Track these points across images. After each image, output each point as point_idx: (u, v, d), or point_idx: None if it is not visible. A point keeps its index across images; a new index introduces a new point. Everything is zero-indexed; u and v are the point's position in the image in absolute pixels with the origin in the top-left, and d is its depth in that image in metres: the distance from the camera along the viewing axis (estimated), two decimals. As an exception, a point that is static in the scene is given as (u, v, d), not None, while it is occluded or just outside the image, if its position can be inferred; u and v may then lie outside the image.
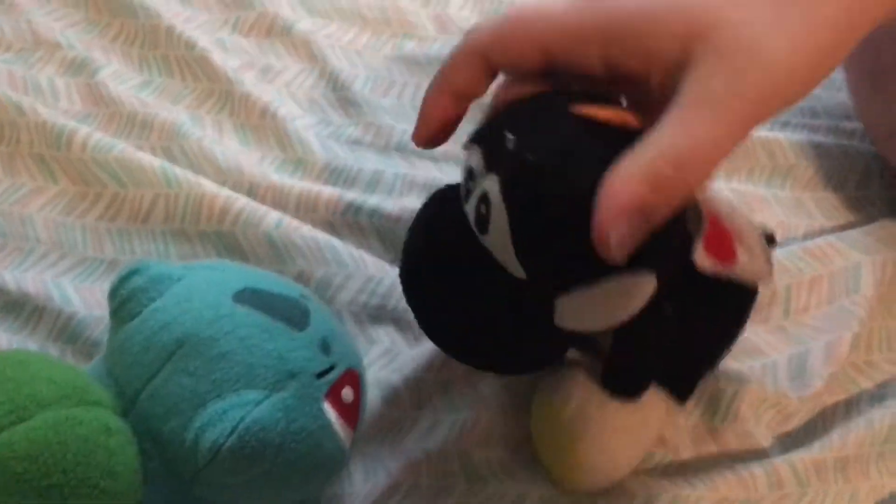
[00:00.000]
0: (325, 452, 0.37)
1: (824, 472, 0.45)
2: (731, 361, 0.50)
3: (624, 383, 0.41)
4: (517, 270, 0.35)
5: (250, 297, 0.38)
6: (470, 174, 0.37)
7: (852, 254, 0.54)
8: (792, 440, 0.48)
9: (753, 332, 0.52)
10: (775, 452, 0.47)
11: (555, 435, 0.43)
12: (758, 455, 0.47)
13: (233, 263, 0.42)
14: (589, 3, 0.35)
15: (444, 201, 0.40)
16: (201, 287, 0.38)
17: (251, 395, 0.35)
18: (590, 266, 0.32)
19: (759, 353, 0.51)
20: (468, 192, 0.37)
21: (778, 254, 0.54)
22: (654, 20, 0.33)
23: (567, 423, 0.41)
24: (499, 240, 0.35)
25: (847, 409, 0.49)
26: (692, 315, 0.39)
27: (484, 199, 0.35)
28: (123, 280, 0.38)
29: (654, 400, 0.42)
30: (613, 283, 0.33)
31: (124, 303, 0.38)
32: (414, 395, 0.48)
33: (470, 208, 0.36)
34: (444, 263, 0.38)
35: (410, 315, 0.50)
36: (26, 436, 0.32)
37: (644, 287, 0.33)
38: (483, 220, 0.35)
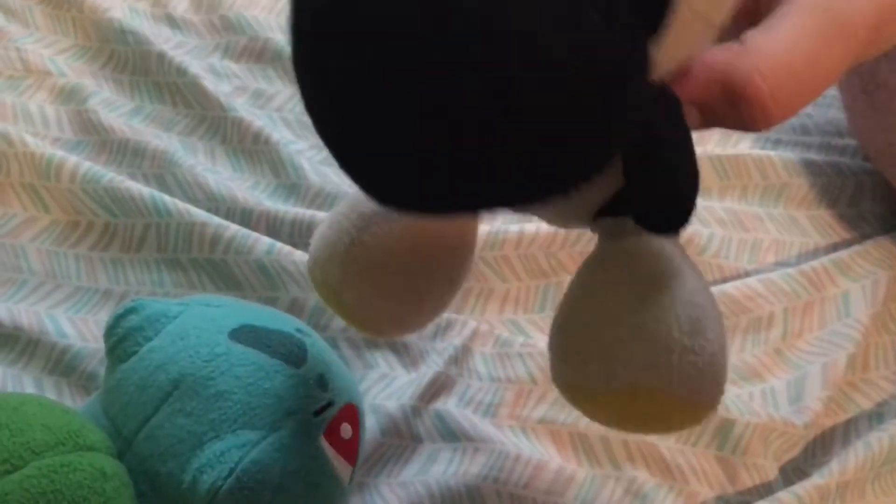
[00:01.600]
0: (324, 490, 0.37)
1: (827, 498, 0.45)
2: (732, 387, 0.50)
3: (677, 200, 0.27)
4: None
5: (246, 334, 0.37)
6: None
7: (843, 281, 0.55)
8: (794, 468, 0.48)
9: (752, 355, 0.52)
10: (779, 485, 0.47)
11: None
12: (765, 490, 0.47)
13: (229, 299, 0.42)
14: None
15: None
16: (197, 325, 0.38)
17: (249, 436, 0.35)
18: None
19: (758, 377, 0.51)
20: None
21: (774, 276, 0.54)
22: None
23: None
24: None
25: (845, 431, 0.49)
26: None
27: None
28: (119, 319, 0.38)
29: None
30: None
31: (120, 342, 0.37)
32: (412, 423, 0.48)
33: None
34: None
35: (406, 341, 0.51)
36: (21, 485, 0.32)
37: None
38: None
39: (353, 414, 0.40)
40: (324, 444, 0.37)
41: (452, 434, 0.47)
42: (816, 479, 0.45)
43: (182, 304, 0.39)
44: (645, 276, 0.28)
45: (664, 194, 0.28)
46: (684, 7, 0.23)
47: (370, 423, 0.47)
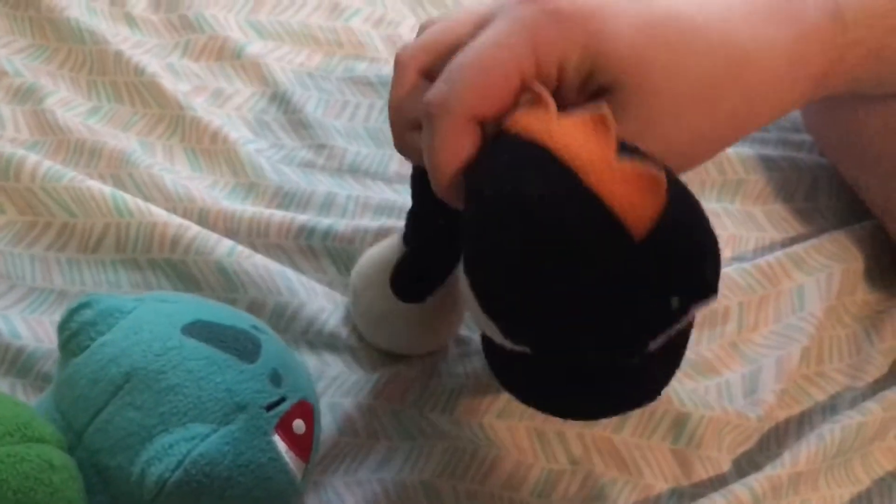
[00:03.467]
0: (276, 485, 0.37)
1: (780, 489, 0.46)
2: (687, 380, 0.51)
3: None
4: None
5: (200, 329, 0.37)
6: None
7: (798, 275, 0.55)
8: (747, 461, 0.48)
9: (708, 349, 0.53)
10: (733, 476, 0.47)
11: None
12: (719, 482, 0.47)
13: (186, 295, 0.42)
14: None
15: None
16: (151, 319, 0.38)
17: (199, 429, 0.35)
18: None
19: (713, 371, 0.52)
20: None
21: (730, 270, 0.55)
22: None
23: None
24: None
25: (799, 423, 0.50)
26: None
27: None
28: (73, 313, 0.38)
29: None
30: None
31: (73, 336, 0.37)
32: (368, 422, 0.48)
33: None
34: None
35: (365, 344, 0.51)
36: (-34, 474, 0.31)
37: None
38: None
39: (307, 411, 0.40)
40: (276, 439, 0.37)
41: (408, 432, 0.47)
42: (769, 471, 0.46)
43: (136, 300, 0.39)
44: None
45: None
46: None
47: (326, 422, 0.47)
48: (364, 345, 0.50)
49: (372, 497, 0.45)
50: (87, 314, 0.38)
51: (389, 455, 0.47)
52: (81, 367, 0.37)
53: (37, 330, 0.50)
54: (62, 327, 0.38)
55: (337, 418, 0.47)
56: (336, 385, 0.49)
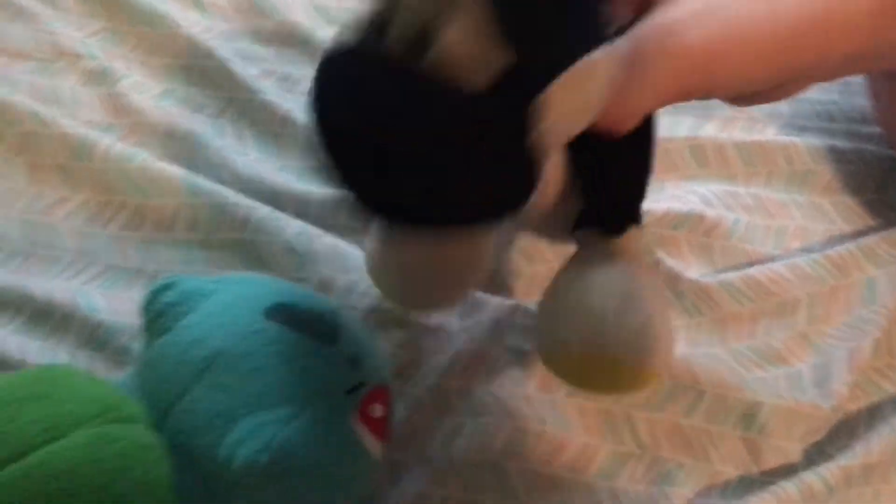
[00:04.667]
0: (356, 467, 0.38)
1: (852, 480, 0.45)
2: (756, 369, 0.50)
3: (612, 213, 0.39)
4: (492, 61, 0.30)
5: (281, 312, 0.38)
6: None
7: (869, 267, 0.55)
8: (818, 451, 0.48)
9: (778, 339, 0.52)
10: (803, 466, 0.47)
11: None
12: (789, 471, 0.47)
13: (263, 277, 0.42)
14: None
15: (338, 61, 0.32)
16: (233, 302, 0.38)
17: (283, 411, 0.35)
18: (584, 33, 0.31)
19: (783, 361, 0.51)
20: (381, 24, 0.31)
21: (800, 261, 0.55)
22: None
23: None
24: (466, 34, 0.29)
25: (870, 415, 0.50)
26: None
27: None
28: (156, 294, 0.39)
29: None
30: (586, 63, 0.30)
31: (157, 318, 0.38)
32: (437, 399, 0.48)
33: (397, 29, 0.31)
34: (381, 103, 0.30)
35: (433, 320, 0.51)
36: (62, 454, 0.32)
37: (609, 62, 0.31)
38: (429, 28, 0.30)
39: (384, 394, 0.40)
40: (355, 422, 0.38)
41: (476, 409, 0.48)
42: (841, 461, 0.46)
43: (216, 282, 0.40)
44: (595, 268, 0.38)
45: (610, 206, 0.39)
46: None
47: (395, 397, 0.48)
48: (433, 323, 0.51)
49: (441, 474, 0.45)
50: (170, 295, 0.39)
51: (457, 431, 0.47)
52: (166, 349, 0.38)
53: (114, 304, 0.51)
54: (146, 308, 0.39)
55: (406, 400, 0.48)
56: (406, 366, 0.50)
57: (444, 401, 0.48)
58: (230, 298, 0.39)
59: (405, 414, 0.47)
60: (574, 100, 0.31)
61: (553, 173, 0.37)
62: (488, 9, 0.29)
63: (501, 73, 0.30)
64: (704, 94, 0.34)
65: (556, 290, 0.39)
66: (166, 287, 0.39)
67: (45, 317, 0.51)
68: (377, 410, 0.39)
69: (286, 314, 0.38)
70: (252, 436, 0.34)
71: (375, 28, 0.31)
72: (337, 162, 0.31)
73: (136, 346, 0.49)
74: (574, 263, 0.40)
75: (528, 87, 0.30)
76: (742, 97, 0.36)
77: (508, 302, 0.52)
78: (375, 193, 0.31)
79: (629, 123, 0.33)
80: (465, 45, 0.29)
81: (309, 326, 0.38)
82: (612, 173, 0.38)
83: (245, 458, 0.34)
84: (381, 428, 0.39)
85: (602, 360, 0.36)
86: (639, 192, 0.40)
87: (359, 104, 0.30)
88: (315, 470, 0.35)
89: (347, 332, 0.40)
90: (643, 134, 0.38)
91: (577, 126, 0.33)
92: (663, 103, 0.33)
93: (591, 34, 0.31)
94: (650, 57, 0.32)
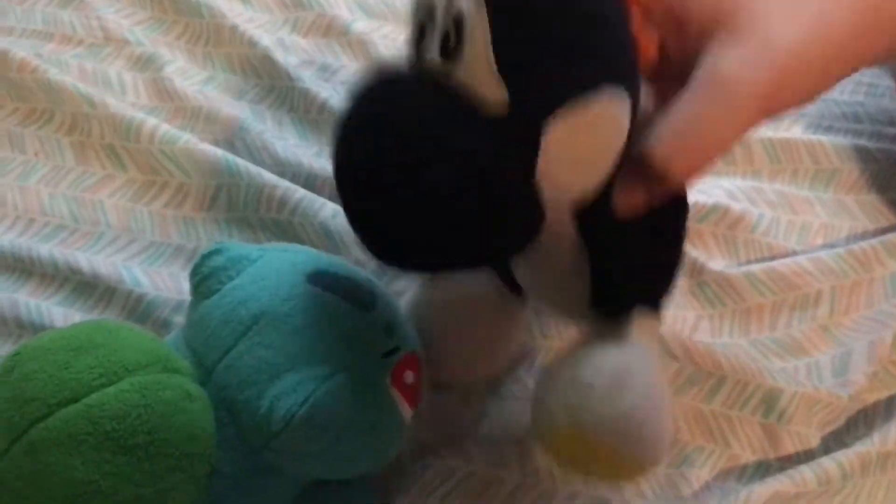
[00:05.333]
0: (388, 429, 0.40)
1: (869, 467, 0.46)
2: (776, 359, 0.51)
3: (616, 296, 0.39)
4: (496, 93, 0.31)
5: (323, 278, 0.40)
6: (429, 14, 0.33)
7: (891, 262, 0.56)
8: (835, 439, 0.49)
9: (798, 330, 0.53)
10: (820, 453, 0.48)
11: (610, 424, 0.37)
12: (806, 457, 0.48)
13: (305, 247, 0.44)
14: None
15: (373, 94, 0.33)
16: (277, 267, 0.40)
17: (322, 370, 0.37)
18: (582, 72, 0.31)
19: (802, 351, 0.52)
20: (422, 36, 0.33)
21: (822, 254, 0.56)
22: None
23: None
24: (475, 61, 0.31)
25: (888, 406, 0.50)
26: (648, 219, 0.37)
27: (456, 21, 0.31)
28: (205, 259, 0.41)
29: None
30: (596, 105, 0.31)
31: (205, 280, 0.40)
32: (464, 387, 0.50)
33: (433, 44, 0.32)
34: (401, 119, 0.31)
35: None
36: (116, 397, 0.34)
37: (623, 107, 0.32)
38: (452, 46, 0.31)
39: (415, 362, 0.42)
40: (390, 385, 0.39)
41: (503, 394, 0.49)
42: (858, 448, 0.46)
43: (261, 250, 0.42)
44: (596, 346, 0.38)
45: (614, 288, 0.38)
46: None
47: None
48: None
49: (467, 451, 0.47)
50: (219, 260, 0.41)
51: (483, 413, 0.49)
52: (213, 309, 0.40)
53: (156, 280, 0.53)
54: (195, 271, 0.41)
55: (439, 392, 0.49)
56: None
57: (471, 385, 0.50)
58: (275, 264, 0.40)
59: (428, 391, 0.49)
60: (579, 141, 0.32)
61: (564, 244, 0.37)
62: (489, 40, 0.30)
63: (506, 104, 0.31)
64: (776, 115, 0.35)
65: (556, 363, 0.39)
66: (215, 252, 0.41)
67: (89, 289, 0.53)
68: (409, 377, 0.40)
69: (327, 280, 0.40)
70: (292, 390, 0.36)
71: (414, 33, 0.33)
72: (353, 187, 0.32)
73: (177, 319, 0.51)
74: (581, 339, 0.40)
75: (525, 122, 0.31)
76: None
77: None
78: (390, 215, 0.32)
79: (712, 156, 0.33)
80: (479, 72, 0.31)
81: (348, 292, 0.40)
82: (617, 255, 0.38)
83: (285, 411, 0.35)
84: (412, 394, 0.41)
85: (585, 438, 0.36)
86: (653, 278, 0.40)
87: (377, 120, 0.31)
88: (351, 426, 0.37)
89: (382, 301, 0.41)
90: (661, 219, 0.38)
91: (589, 173, 0.33)
92: (743, 133, 0.34)
93: (607, 71, 0.31)
94: (735, 86, 0.32)
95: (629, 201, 0.35)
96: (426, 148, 0.31)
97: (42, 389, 0.34)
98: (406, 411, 0.40)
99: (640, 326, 0.39)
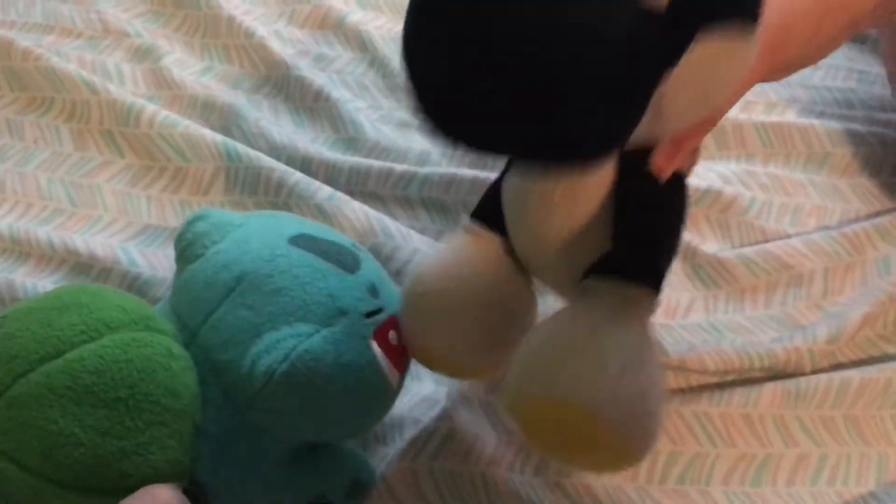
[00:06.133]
0: (372, 389, 0.39)
1: (835, 430, 0.46)
2: (772, 332, 0.52)
3: (626, 261, 0.37)
4: None
5: (305, 241, 0.40)
6: None
7: (883, 245, 0.56)
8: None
9: (793, 307, 0.53)
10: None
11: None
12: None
13: (289, 214, 0.45)
14: None
15: None
16: (260, 231, 0.41)
17: (304, 328, 0.37)
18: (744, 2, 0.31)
19: (796, 325, 0.52)
20: None
21: (816, 237, 0.56)
22: None
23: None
24: None
25: (866, 365, 0.50)
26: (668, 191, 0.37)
27: None
28: (189, 225, 0.41)
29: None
30: (742, 37, 0.31)
31: (189, 245, 0.41)
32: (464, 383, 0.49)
33: None
34: None
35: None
36: (96, 352, 0.35)
37: (752, 51, 0.32)
38: None
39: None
40: (373, 344, 0.39)
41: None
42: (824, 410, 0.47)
43: (245, 216, 0.42)
44: (601, 320, 0.35)
45: (641, 248, 0.37)
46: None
47: (425, 373, 0.49)
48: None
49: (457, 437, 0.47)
50: (202, 226, 0.41)
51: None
52: (197, 273, 0.40)
53: (152, 260, 0.54)
54: (180, 238, 0.41)
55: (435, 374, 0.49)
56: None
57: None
58: (258, 228, 0.41)
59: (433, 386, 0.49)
60: (713, 66, 0.31)
61: (596, 189, 0.36)
62: None
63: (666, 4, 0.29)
64: (783, 69, 0.36)
65: (541, 331, 0.36)
66: (199, 218, 0.41)
67: (86, 269, 0.53)
68: (395, 337, 0.40)
69: (310, 242, 0.40)
70: (274, 347, 0.36)
71: None
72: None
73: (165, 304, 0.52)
74: (569, 309, 0.37)
75: (680, 26, 0.30)
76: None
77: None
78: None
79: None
80: None
81: (330, 254, 0.40)
82: (649, 213, 0.37)
83: (266, 366, 0.36)
84: (398, 356, 0.41)
85: (592, 419, 0.33)
86: (665, 248, 0.39)
87: None
88: (333, 383, 0.37)
89: (367, 264, 0.42)
90: (681, 188, 0.38)
91: (698, 104, 0.33)
92: (750, 86, 0.35)
93: (757, 10, 0.31)
94: None
95: (665, 160, 0.35)
96: (585, 21, 0.28)
97: (25, 347, 0.35)
98: (392, 372, 0.40)
99: (641, 301, 0.37)
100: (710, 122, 0.35)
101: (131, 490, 0.34)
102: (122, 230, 0.56)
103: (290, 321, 0.37)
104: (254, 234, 0.41)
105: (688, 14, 0.30)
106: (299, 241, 0.40)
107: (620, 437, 0.33)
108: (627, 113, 0.30)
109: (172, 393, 0.36)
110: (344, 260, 0.40)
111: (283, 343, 0.37)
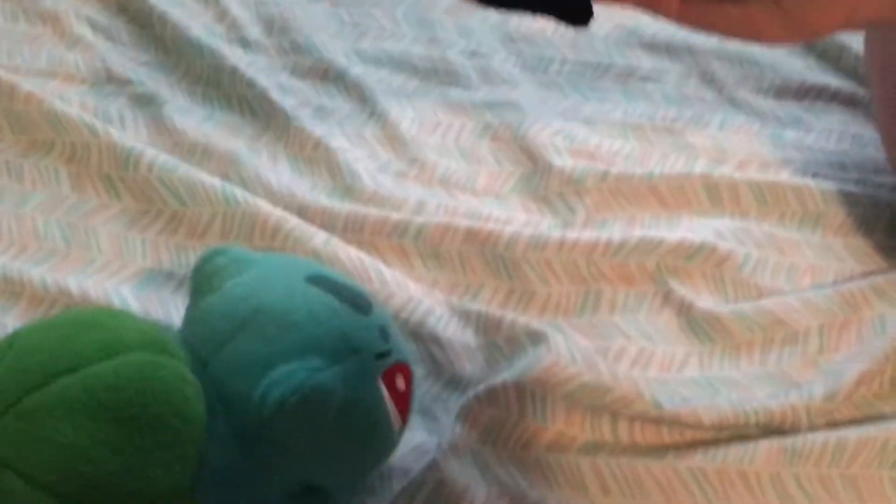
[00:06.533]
0: (378, 428, 0.40)
1: (832, 487, 0.46)
2: (768, 389, 0.51)
3: None
4: None
5: (322, 280, 0.41)
6: None
7: (879, 304, 0.56)
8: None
9: (789, 364, 0.53)
10: None
11: None
12: None
13: (304, 257, 0.46)
14: None
15: None
16: (278, 269, 0.42)
17: (316, 362, 0.38)
18: None
19: (792, 383, 0.52)
20: None
21: (811, 295, 0.56)
22: None
23: None
24: None
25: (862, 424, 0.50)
26: None
27: None
28: (207, 259, 0.42)
29: None
30: None
31: (208, 278, 0.41)
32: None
33: None
34: None
35: (449, 334, 0.53)
36: (114, 370, 0.35)
37: None
38: None
39: (407, 372, 0.42)
40: (381, 386, 0.40)
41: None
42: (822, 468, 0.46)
43: (263, 255, 0.44)
44: None
45: None
46: None
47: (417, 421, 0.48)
48: (448, 335, 0.52)
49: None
50: (221, 261, 0.42)
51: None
52: (213, 305, 0.41)
53: (146, 304, 0.53)
54: (197, 269, 0.42)
55: (427, 422, 0.48)
56: (425, 388, 0.51)
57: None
58: (276, 265, 0.42)
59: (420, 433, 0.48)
60: None
61: None
62: None
63: None
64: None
65: None
66: (218, 253, 0.42)
67: (78, 311, 0.53)
68: (401, 383, 0.41)
69: (327, 282, 0.41)
70: (286, 378, 0.36)
71: None
72: None
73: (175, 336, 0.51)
74: None
75: None
76: None
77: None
78: None
79: None
80: None
81: (346, 295, 0.41)
82: None
83: (278, 396, 0.36)
84: (402, 402, 0.41)
85: None
86: None
87: None
88: (341, 421, 0.37)
89: (379, 309, 0.42)
90: None
91: None
92: None
93: None
94: None
95: None
96: None
97: (40, 361, 0.36)
98: (395, 418, 0.41)
99: None
100: None
101: (134, 511, 0.34)
102: (117, 272, 0.56)
103: (303, 355, 0.38)
104: (273, 271, 0.42)
105: None
106: (317, 279, 0.41)
107: None
108: None
109: (183, 417, 0.36)
110: (358, 301, 0.41)
111: (296, 375, 0.37)
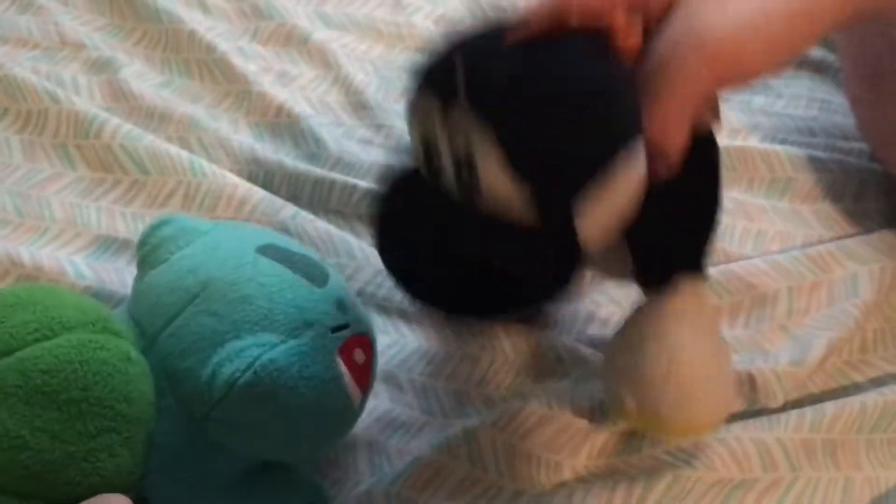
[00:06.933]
0: (336, 404, 0.38)
1: (813, 454, 0.45)
2: (734, 355, 0.51)
3: (657, 269, 0.42)
4: (519, 198, 0.34)
5: (273, 251, 0.39)
6: (427, 148, 0.36)
7: (850, 264, 0.55)
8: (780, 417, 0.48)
9: (757, 331, 0.53)
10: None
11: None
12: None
13: (257, 225, 0.44)
14: None
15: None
16: (227, 239, 0.40)
17: (268, 338, 0.36)
18: (599, 154, 0.34)
19: (760, 349, 0.52)
20: (434, 169, 0.36)
21: (779, 258, 0.56)
22: None
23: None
24: (497, 188, 0.34)
25: (837, 395, 0.50)
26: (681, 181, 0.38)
27: (466, 160, 0.34)
28: (154, 229, 0.40)
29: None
30: (616, 167, 0.34)
31: (153, 250, 0.39)
32: (422, 399, 0.48)
33: (448, 180, 0.35)
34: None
35: (417, 308, 0.52)
36: (51, 352, 0.33)
37: (638, 153, 0.35)
38: (470, 184, 0.34)
39: (367, 343, 0.41)
40: (338, 360, 0.38)
41: (466, 411, 0.48)
42: (804, 433, 0.46)
43: (213, 224, 0.41)
44: (648, 328, 0.41)
45: (650, 261, 0.42)
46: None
47: (380, 389, 0.48)
48: (416, 311, 0.51)
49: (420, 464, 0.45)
50: (167, 230, 0.40)
51: (443, 430, 0.47)
52: (160, 278, 0.39)
53: (101, 273, 0.52)
54: (142, 242, 0.40)
55: (391, 391, 0.48)
56: (392, 353, 0.50)
57: (432, 400, 0.49)
58: (225, 235, 0.40)
59: (389, 405, 0.48)
60: (609, 201, 0.35)
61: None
62: (501, 151, 0.33)
63: (532, 202, 0.34)
64: (734, 81, 0.37)
65: (615, 347, 0.43)
66: (163, 223, 0.40)
67: (31, 281, 0.51)
68: (360, 356, 0.39)
69: (278, 252, 0.39)
70: (237, 356, 0.35)
71: (424, 162, 0.36)
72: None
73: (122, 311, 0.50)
74: (632, 319, 0.43)
75: (557, 211, 0.34)
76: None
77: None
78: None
79: (679, 132, 0.36)
80: (501, 184, 0.34)
81: (299, 267, 0.39)
82: (650, 225, 0.39)
83: (227, 376, 0.34)
84: (362, 375, 0.40)
85: (653, 417, 0.41)
86: (689, 239, 0.42)
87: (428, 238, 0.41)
88: (296, 396, 0.36)
89: (335, 279, 0.40)
90: (692, 177, 0.39)
91: (620, 216, 0.36)
92: (701, 96, 0.36)
93: (613, 141, 0.34)
94: (687, 52, 0.35)
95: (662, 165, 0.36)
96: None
97: None
98: (354, 391, 0.39)
99: (685, 292, 0.42)
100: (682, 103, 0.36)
101: (78, 499, 0.32)
102: (70, 242, 0.54)
103: (254, 330, 0.36)
104: (222, 242, 0.40)
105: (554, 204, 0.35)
106: (268, 250, 0.39)
107: (683, 423, 0.42)
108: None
109: (127, 399, 0.34)
110: (312, 272, 0.39)
111: (247, 352, 0.35)
